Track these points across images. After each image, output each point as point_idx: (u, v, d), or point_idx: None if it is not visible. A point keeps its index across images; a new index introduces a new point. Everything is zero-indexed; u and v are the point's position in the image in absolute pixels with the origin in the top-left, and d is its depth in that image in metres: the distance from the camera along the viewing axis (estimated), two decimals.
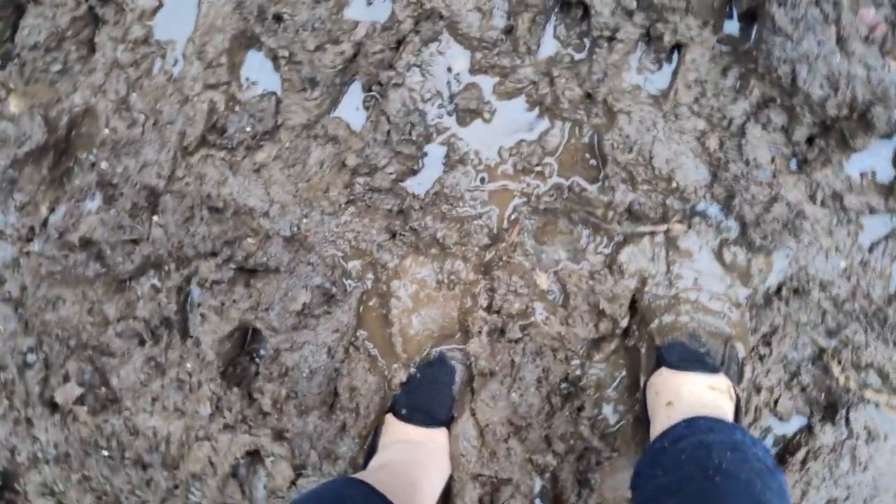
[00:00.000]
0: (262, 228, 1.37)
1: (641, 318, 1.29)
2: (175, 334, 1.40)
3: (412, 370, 1.33)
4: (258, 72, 1.45)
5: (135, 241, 1.36)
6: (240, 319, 1.35)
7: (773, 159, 1.23)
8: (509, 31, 1.34)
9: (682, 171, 1.26)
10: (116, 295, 1.42)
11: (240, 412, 1.35)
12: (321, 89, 1.39)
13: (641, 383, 1.26)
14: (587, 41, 1.32)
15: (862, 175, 1.25)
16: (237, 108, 1.42)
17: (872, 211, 1.24)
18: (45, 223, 1.41)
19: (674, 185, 1.27)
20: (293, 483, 1.35)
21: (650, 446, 1.09)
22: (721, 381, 1.16)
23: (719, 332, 1.21)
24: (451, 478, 1.31)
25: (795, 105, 1.19)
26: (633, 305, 1.29)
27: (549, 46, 1.35)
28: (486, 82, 1.38)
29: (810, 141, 1.23)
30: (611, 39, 1.28)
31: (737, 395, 1.17)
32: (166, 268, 1.40)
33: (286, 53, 1.38)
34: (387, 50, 1.37)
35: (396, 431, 1.28)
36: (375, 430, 1.34)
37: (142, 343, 1.40)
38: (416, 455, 1.24)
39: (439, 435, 1.29)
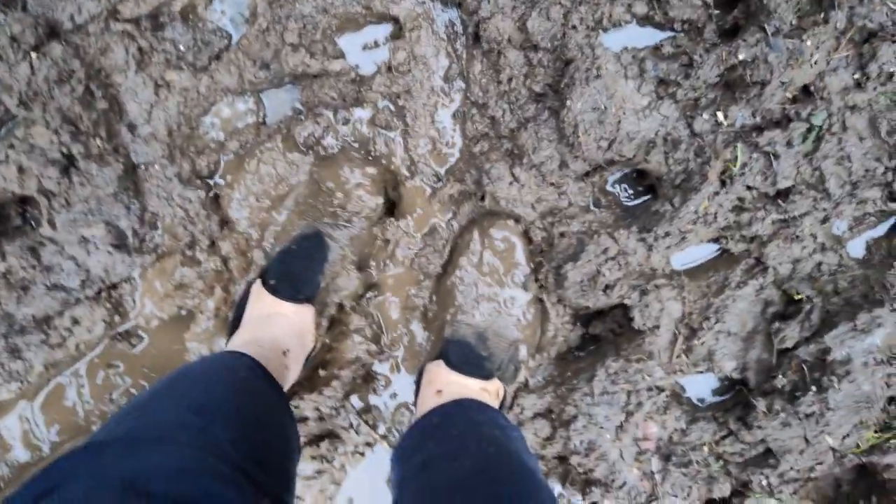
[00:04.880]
0: (119, 143, 1.32)
1: (441, 301, 1.32)
2: None
3: (288, 244, 1.30)
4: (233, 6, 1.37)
5: None
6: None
7: None
8: None
9: None
10: None
11: None
12: (268, 73, 1.35)
13: (420, 364, 1.33)
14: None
15: None
16: (190, 21, 1.34)
17: None
18: None
19: None
20: None
21: (418, 422, 1.12)
22: (493, 385, 1.22)
23: (508, 335, 1.25)
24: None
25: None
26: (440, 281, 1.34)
27: None
28: None
29: None
30: None
31: (504, 394, 1.24)
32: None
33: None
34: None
35: (265, 304, 1.26)
36: (242, 298, 1.31)
37: None
38: (282, 329, 1.22)
39: (306, 311, 1.27)
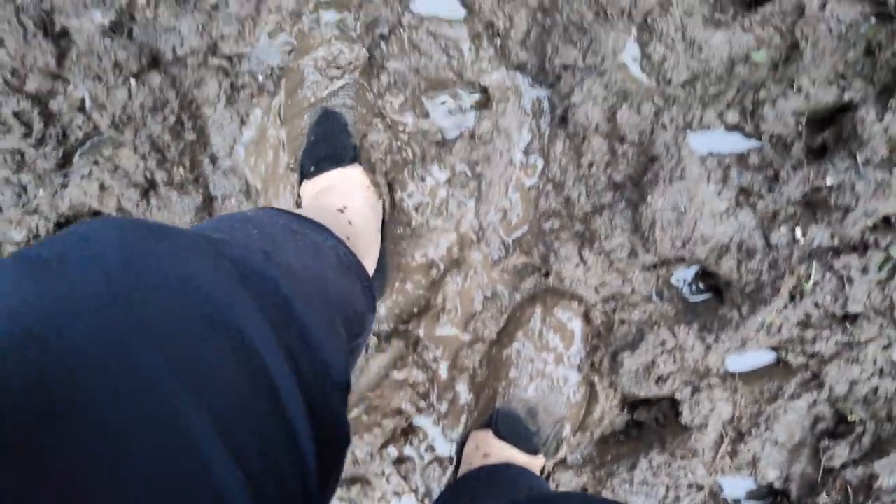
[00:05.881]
0: (201, 173, 1.36)
1: (494, 370, 1.32)
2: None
3: (306, 139, 1.27)
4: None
5: (98, 78, 1.30)
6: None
7: None
8: None
9: None
10: None
11: None
12: None
13: (465, 430, 1.35)
14: None
15: None
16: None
17: None
18: None
19: None
20: None
21: (463, 476, 1.15)
22: (538, 461, 1.24)
23: (556, 413, 1.26)
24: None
25: None
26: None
27: None
28: None
29: None
30: None
31: (543, 468, 1.26)
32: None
33: None
34: None
35: (313, 187, 1.23)
36: (297, 203, 1.29)
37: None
38: (334, 191, 1.19)
39: (352, 169, 1.24)
